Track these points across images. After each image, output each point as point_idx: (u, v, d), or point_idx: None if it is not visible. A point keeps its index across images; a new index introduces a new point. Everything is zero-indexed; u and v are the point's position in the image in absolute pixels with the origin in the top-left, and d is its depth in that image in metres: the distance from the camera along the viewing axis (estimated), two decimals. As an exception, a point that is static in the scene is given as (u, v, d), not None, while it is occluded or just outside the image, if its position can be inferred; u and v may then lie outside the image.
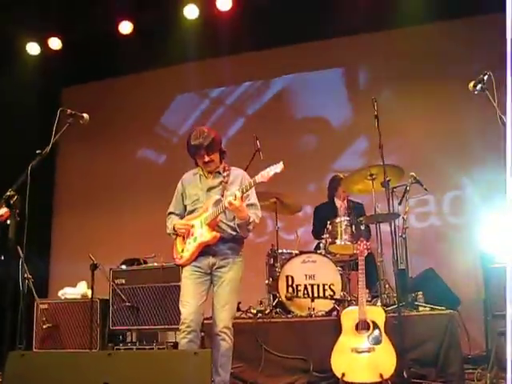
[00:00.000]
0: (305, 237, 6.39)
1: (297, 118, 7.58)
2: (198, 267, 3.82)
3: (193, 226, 3.84)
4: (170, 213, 4.07)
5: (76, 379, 2.02)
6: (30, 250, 5.78)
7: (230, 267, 3.81)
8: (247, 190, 3.68)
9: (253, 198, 3.91)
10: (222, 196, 3.80)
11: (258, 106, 7.80)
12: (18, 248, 5.34)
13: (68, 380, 2.02)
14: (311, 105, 7.45)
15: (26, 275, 5.42)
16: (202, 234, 3.78)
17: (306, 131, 7.48)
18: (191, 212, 3.93)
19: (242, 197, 3.62)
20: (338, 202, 6.02)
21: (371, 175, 4.97)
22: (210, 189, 3.90)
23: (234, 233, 3.83)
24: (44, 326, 5.31)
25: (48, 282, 7.59)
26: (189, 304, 3.74)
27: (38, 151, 3.05)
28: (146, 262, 5.65)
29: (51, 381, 2.03)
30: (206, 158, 3.81)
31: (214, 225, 3.77)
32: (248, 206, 3.81)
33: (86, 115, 3.33)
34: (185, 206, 3.99)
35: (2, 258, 5.24)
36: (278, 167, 3.59)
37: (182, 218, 3.99)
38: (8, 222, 3.33)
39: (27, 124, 7.05)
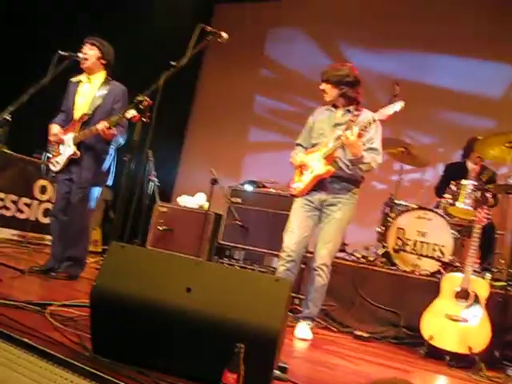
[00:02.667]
0: (427, 194, 6.18)
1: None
2: (309, 201, 3.88)
3: (312, 159, 3.89)
4: (298, 144, 4.13)
5: (163, 279, 2.16)
6: (161, 156, 6.18)
7: (341, 207, 3.82)
8: (366, 127, 3.66)
9: (376, 142, 3.85)
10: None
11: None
12: (149, 151, 5.74)
13: (156, 278, 2.17)
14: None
15: (152, 178, 5.83)
16: (318, 167, 3.83)
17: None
18: (314, 145, 3.96)
19: (359, 133, 3.60)
20: (470, 165, 5.72)
21: (510, 142, 4.63)
22: (336, 125, 3.91)
23: (350, 172, 3.82)
24: (160, 228, 5.68)
25: (172, 189, 8.03)
26: (293, 233, 3.84)
27: (172, 62, 3.15)
28: (264, 187, 5.79)
29: (140, 274, 2.20)
30: (321, 87, 3.91)
31: (330, 159, 3.80)
32: (368, 149, 3.78)
33: (224, 34, 3.36)
34: (311, 139, 4.02)
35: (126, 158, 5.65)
36: (397, 105, 3.58)
37: (307, 150, 4.04)
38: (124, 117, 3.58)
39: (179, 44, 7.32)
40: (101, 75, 4.36)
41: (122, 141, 4.25)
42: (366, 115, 3.87)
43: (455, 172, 5.67)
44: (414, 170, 5.95)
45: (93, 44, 4.30)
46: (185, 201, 5.90)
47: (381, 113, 3.61)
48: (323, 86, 3.91)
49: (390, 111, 3.59)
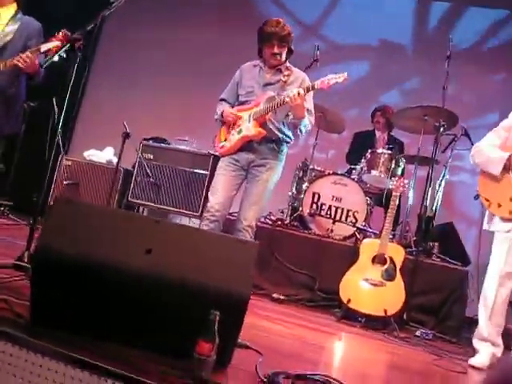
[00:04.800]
0: (333, 159, 6.30)
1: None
2: (236, 160, 3.80)
3: (240, 118, 3.76)
4: (223, 99, 3.99)
5: (118, 238, 1.96)
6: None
7: (268, 168, 3.77)
8: (308, 91, 3.58)
9: (309, 103, 3.80)
10: (277, 95, 3.70)
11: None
12: (53, 99, 5.27)
13: (109, 237, 1.96)
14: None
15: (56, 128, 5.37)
16: (248, 128, 3.72)
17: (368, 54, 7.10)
18: (242, 103, 3.85)
19: (304, 95, 3.53)
20: (378, 134, 5.90)
21: (425, 115, 4.80)
22: (266, 84, 3.81)
23: (280, 134, 3.77)
24: (64, 182, 5.30)
25: (70, 140, 7.50)
26: (218, 194, 3.75)
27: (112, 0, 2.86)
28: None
29: (91, 234, 1.97)
30: (276, 50, 3.71)
31: (261, 121, 3.71)
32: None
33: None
34: (238, 96, 3.91)
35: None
36: (340, 77, 3.48)
37: (232, 107, 3.91)
38: (55, 57, 3.18)
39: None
40: (10, 9, 3.88)
41: (39, 79, 3.82)
42: (296, 75, 3.82)
43: (364, 140, 5.82)
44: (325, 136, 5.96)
45: None
46: (93, 155, 5.52)
47: (322, 82, 3.50)
48: (280, 49, 3.72)
49: (331, 81, 3.48)
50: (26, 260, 2.72)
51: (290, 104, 3.53)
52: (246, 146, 3.76)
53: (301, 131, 3.75)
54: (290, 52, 3.83)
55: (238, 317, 1.90)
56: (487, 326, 3.27)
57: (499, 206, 3.28)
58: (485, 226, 3.42)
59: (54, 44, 3.35)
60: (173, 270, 1.91)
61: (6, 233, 4.60)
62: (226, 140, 3.84)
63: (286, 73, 3.78)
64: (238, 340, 2.01)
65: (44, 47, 3.42)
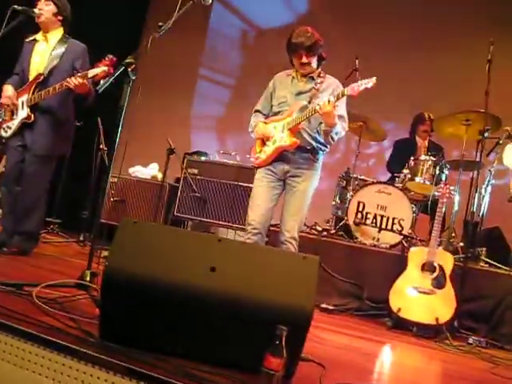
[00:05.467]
0: (374, 167, 6.29)
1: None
2: (272, 172, 3.79)
3: (270, 136, 3.78)
4: (257, 111, 3.99)
5: (182, 258, 2.02)
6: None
7: (305, 178, 3.75)
8: (338, 99, 3.55)
9: (342, 109, 3.78)
10: (309, 102, 3.70)
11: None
12: (98, 119, 5.43)
13: (174, 256, 2.02)
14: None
15: (101, 146, 5.52)
16: (282, 138, 3.72)
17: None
18: (276, 114, 3.85)
19: (334, 103, 3.51)
20: (418, 141, 5.86)
21: (467, 120, 4.77)
22: (299, 93, 3.80)
23: (314, 143, 3.76)
24: (111, 199, 5.42)
25: (117, 158, 7.63)
26: (258, 206, 3.75)
27: (160, 24, 2.95)
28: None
29: (156, 253, 2.04)
30: (304, 60, 3.69)
31: (295, 131, 3.70)
32: (337, 117, 3.67)
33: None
34: (271, 106, 3.91)
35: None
36: (369, 82, 3.45)
37: (267, 118, 3.92)
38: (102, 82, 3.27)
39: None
40: (57, 33, 4.03)
41: (91, 100, 3.93)
42: (329, 82, 3.80)
43: (405, 147, 5.79)
44: (365, 145, 5.97)
45: None
46: (138, 171, 5.64)
47: (352, 88, 3.48)
48: (309, 59, 3.71)
49: (361, 87, 3.46)
50: (87, 279, 2.80)
51: (320, 112, 3.51)
52: (281, 156, 3.75)
53: (332, 138, 3.72)
54: (321, 59, 3.81)
55: (302, 331, 1.94)
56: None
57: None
58: None
59: (101, 69, 3.46)
60: (236, 287, 1.96)
61: (56, 250, 4.74)
62: (261, 151, 3.84)
63: (319, 80, 3.77)
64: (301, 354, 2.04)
65: (91, 73, 3.53)
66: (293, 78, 3.85)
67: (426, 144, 5.82)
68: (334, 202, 5.30)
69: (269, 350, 1.76)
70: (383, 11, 6.91)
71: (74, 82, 3.64)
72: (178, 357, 1.95)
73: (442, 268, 4.04)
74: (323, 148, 3.84)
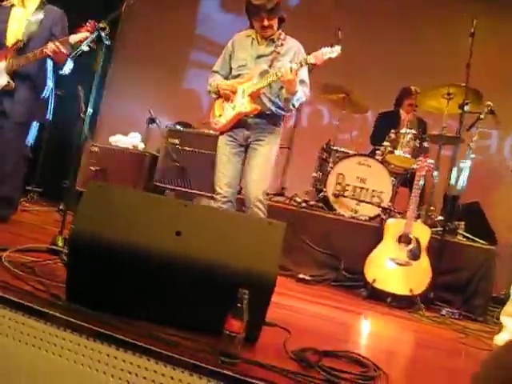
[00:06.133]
0: (357, 140, 6.27)
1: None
2: (234, 138, 3.73)
3: (235, 92, 3.69)
4: (215, 72, 3.88)
5: (149, 221, 2.02)
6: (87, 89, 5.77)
7: (267, 142, 3.69)
8: (301, 66, 3.47)
9: (303, 74, 3.69)
10: (270, 67, 3.62)
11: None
12: (79, 87, 5.36)
13: (141, 220, 2.03)
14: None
15: (81, 115, 5.45)
16: (243, 103, 3.64)
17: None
18: (235, 77, 3.75)
19: (296, 70, 3.43)
20: (402, 114, 5.86)
21: (449, 94, 4.78)
22: (259, 56, 3.69)
23: (274, 108, 3.69)
24: (92, 168, 5.38)
25: (95, 125, 7.57)
26: (223, 175, 3.71)
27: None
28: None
29: (123, 216, 2.04)
30: (266, 22, 3.57)
31: (256, 96, 3.62)
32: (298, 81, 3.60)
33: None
34: (230, 69, 3.80)
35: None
36: (333, 51, 3.36)
37: (226, 79, 3.81)
38: (84, 47, 3.23)
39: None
40: None
41: (67, 69, 3.88)
42: (290, 44, 3.70)
43: (388, 120, 5.79)
44: (348, 117, 5.94)
45: None
46: (118, 140, 5.59)
47: (316, 57, 3.38)
48: (270, 21, 3.58)
49: (325, 56, 3.36)
50: (59, 244, 2.80)
51: (282, 79, 3.45)
52: (241, 122, 3.68)
53: (293, 105, 3.68)
54: (281, 20, 3.69)
55: (266, 296, 1.96)
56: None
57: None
58: None
59: (83, 35, 3.40)
60: (201, 251, 1.98)
61: (36, 218, 4.73)
62: (220, 116, 3.75)
63: (279, 43, 3.66)
64: (265, 318, 2.07)
65: (74, 38, 3.48)
66: (252, 39, 3.72)
67: (410, 118, 5.82)
68: (314, 174, 5.30)
69: (231, 313, 1.79)
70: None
71: (53, 47, 3.60)
72: (143, 320, 1.97)
73: (417, 240, 4.08)
74: (283, 113, 3.77)
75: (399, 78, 6.15)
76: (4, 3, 3.96)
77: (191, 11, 7.76)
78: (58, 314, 1.94)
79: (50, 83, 3.99)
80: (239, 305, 1.78)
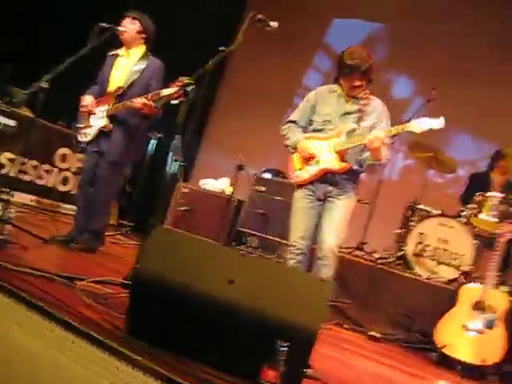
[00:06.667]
0: (445, 199, 6.16)
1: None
2: (313, 191, 3.62)
3: (316, 149, 3.60)
4: (292, 121, 3.77)
5: (206, 267, 2.17)
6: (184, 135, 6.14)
7: (346, 196, 3.59)
8: (393, 135, 3.40)
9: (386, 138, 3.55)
10: (357, 125, 3.54)
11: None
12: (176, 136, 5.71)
13: (198, 266, 2.17)
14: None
15: (177, 157, 5.79)
16: (330, 160, 3.56)
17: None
18: (317, 131, 3.66)
19: (384, 139, 3.34)
20: (495, 176, 5.70)
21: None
22: (345, 113, 3.60)
23: (357, 167, 3.60)
24: (181, 208, 5.66)
25: (191, 169, 7.97)
26: (296, 227, 3.63)
27: (221, 48, 3.13)
28: (284, 177, 5.73)
29: (183, 260, 2.20)
30: (357, 83, 3.51)
31: (343, 154, 3.55)
32: None
33: (274, 23, 3.32)
34: (310, 121, 3.72)
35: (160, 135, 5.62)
36: (437, 123, 3.24)
37: (304, 131, 3.74)
38: (174, 101, 3.49)
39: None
40: (140, 50, 4.33)
41: (157, 118, 4.21)
42: (374, 105, 3.61)
43: (479, 182, 5.65)
44: (438, 176, 5.89)
45: (134, 18, 4.28)
46: (207, 183, 5.88)
47: (415, 125, 3.27)
48: (362, 82, 3.53)
49: (426, 127, 3.25)
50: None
51: (369, 147, 3.39)
52: (325, 177, 3.59)
53: (376, 171, 3.72)
54: (369, 81, 3.61)
55: (306, 349, 2.02)
56: None
57: None
58: None
59: (173, 90, 3.62)
60: (251, 300, 2.08)
61: (123, 251, 5.03)
62: (301, 169, 3.68)
63: (364, 102, 3.58)
64: (307, 371, 2.12)
65: (164, 92, 3.73)
66: (338, 95, 3.66)
67: (502, 181, 5.65)
68: (396, 231, 5.27)
69: (267, 363, 1.87)
70: (459, 42, 6.79)
71: (140, 102, 3.94)
72: (186, 357, 2.10)
73: (494, 309, 3.93)
74: (361, 170, 3.68)
75: (491, 138, 6.02)
76: (110, 53, 4.38)
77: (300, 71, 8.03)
78: (115, 345, 2.12)
79: (144, 128, 4.32)
80: (277, 356, 1.87)
